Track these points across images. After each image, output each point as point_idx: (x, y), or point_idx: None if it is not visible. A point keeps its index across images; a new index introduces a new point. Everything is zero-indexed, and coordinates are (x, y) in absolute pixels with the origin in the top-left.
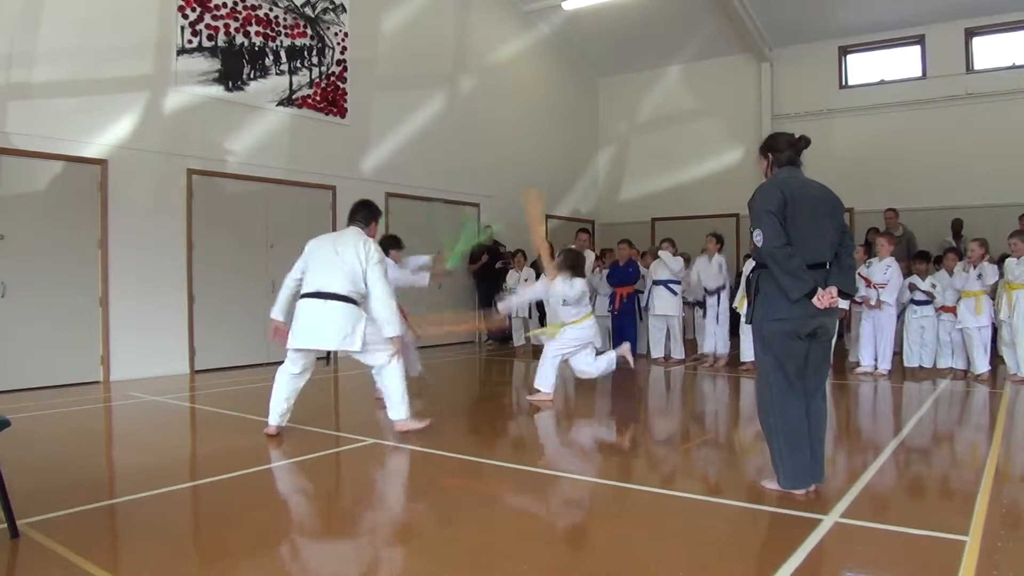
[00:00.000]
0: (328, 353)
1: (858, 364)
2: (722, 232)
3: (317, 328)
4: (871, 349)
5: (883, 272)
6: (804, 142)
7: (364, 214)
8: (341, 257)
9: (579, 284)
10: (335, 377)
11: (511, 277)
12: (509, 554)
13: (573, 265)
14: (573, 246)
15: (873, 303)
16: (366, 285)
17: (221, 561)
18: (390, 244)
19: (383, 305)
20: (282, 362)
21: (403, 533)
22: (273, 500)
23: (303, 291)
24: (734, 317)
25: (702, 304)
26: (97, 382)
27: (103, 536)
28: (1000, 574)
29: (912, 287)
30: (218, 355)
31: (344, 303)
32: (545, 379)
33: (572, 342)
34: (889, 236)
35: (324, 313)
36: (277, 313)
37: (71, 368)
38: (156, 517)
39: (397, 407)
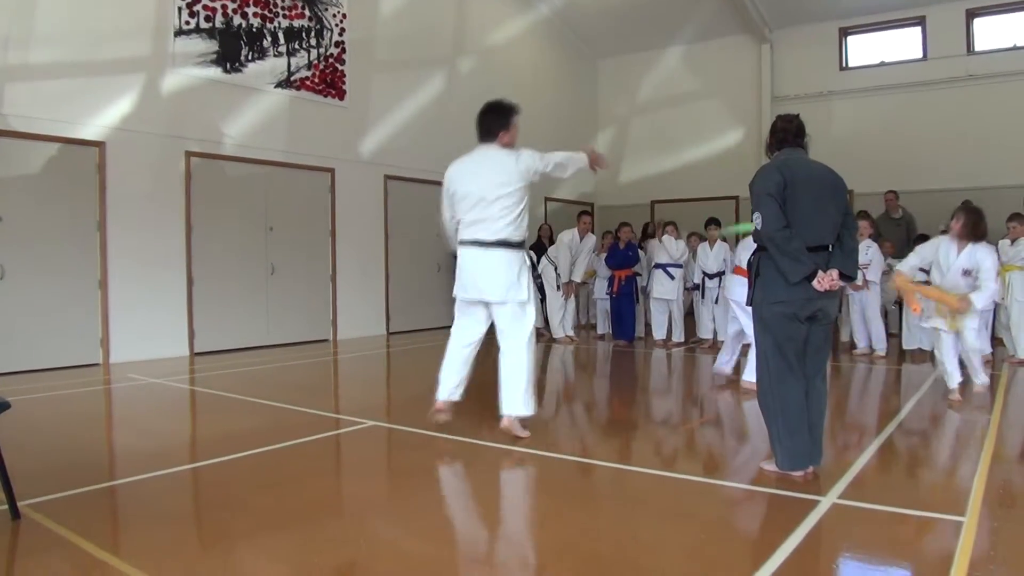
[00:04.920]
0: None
1: (853, 345)
2: (722, 215)
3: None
4: (863, 329)
5: (864, 252)
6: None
7: (491, 121)
8: (484, 182)
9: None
10: (334, 360)
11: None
12: (508, 536)
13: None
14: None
15: (860, 284)
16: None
17: (221, 543)
18: None
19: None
20: (285, 344)
21: (403, 515)
22: (273, 482)
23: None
24: None
25: (700, 287)
26: (96, 364)
27: (104, 518)
28: (997, 554)
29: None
30: (217, 337)
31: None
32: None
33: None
34: (869, 219)
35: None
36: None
37: (70, 350)
38: (156, 499)
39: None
